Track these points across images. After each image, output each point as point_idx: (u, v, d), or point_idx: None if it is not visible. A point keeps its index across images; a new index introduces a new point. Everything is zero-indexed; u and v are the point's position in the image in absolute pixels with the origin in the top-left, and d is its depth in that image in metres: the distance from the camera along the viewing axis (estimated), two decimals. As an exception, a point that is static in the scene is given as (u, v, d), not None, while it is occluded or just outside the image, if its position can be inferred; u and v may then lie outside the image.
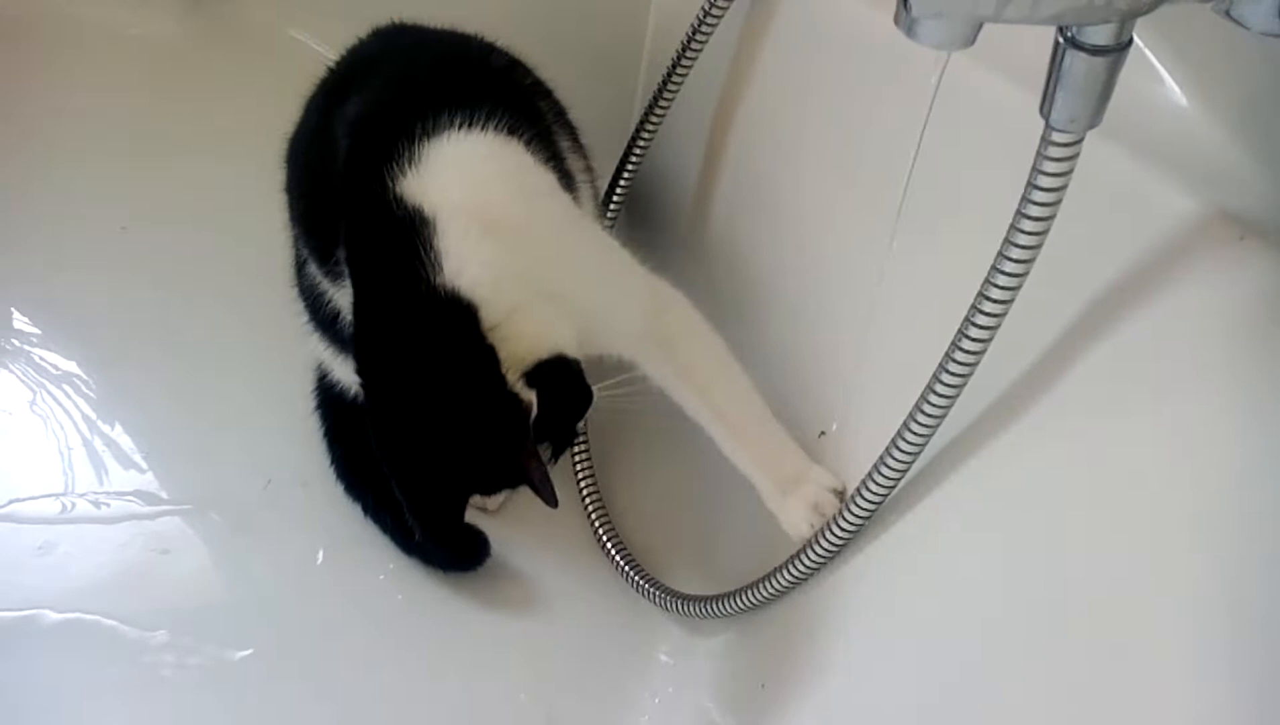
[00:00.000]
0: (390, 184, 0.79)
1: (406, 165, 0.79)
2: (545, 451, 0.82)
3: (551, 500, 0.80)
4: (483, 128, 0.81)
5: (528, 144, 0.84)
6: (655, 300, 0.89)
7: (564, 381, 0.79)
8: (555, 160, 0.89)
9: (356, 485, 1.06)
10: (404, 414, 0.78)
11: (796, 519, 0.87)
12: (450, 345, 0.76)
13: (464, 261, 0.77)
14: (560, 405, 0.80)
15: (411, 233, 0.77)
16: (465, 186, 0.80)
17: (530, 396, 0.77)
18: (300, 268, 0.98)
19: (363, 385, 0.80)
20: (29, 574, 1.03)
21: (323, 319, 0.98)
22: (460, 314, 0.76)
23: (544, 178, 0.85)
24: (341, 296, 0.92)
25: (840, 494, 0.88)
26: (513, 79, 0.94)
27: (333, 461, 1.09)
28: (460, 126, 0.81)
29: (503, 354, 0.77)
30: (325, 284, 0.94)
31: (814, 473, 0.89)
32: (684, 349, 0.88)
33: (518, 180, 0.83)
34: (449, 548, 1.01)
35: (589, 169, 0.99)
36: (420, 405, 0.78)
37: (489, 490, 0.87)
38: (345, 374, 1.03)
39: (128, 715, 0.96)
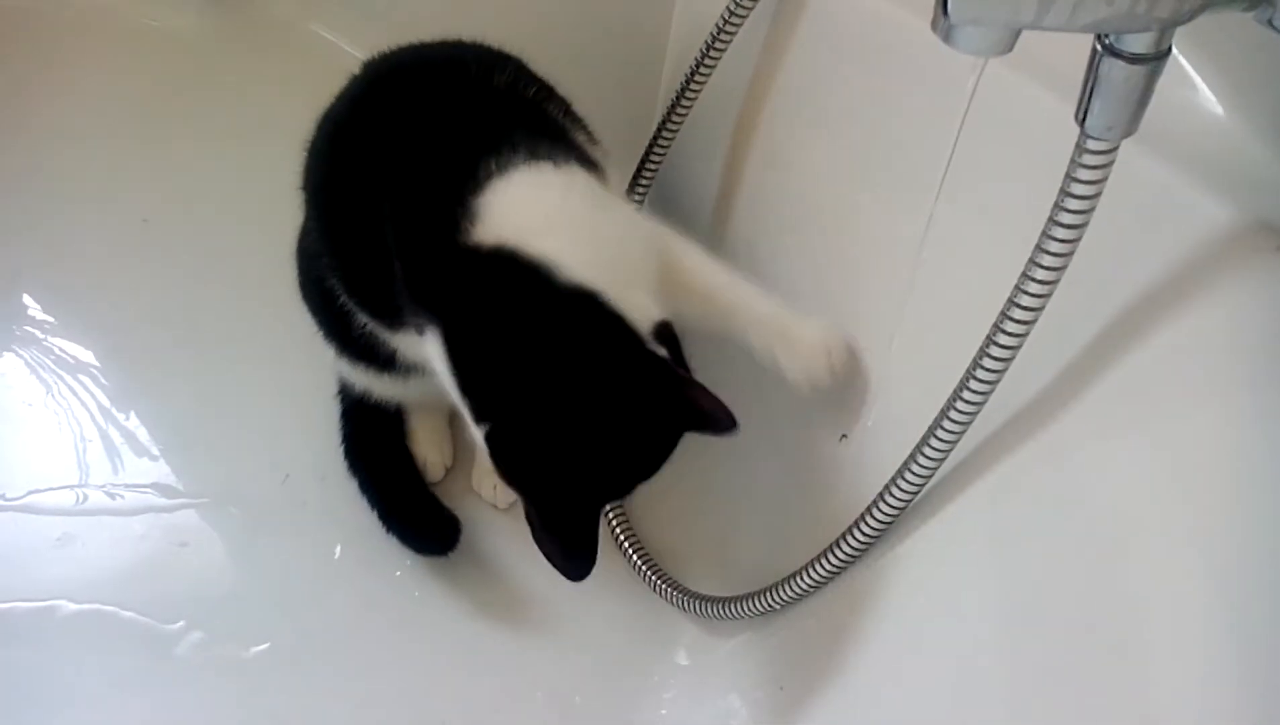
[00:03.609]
0: (461, 238, 0.81)
1: (469, 224, 0.81)
2: None
3: (730, 420, 0.79)
4: (515, 166, 0.83)
5: (553, 160, 0.86)
6: (660, 243, 0.92)
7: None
8: (575, 152, 0.91)
9: (357, 463, 1.09)
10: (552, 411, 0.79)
11: (809, 359, 0.88)
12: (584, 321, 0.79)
13: (567, 261, 0.80)
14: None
15: (506, 259, 0.80)
16: (534, 218, 0.82)
17: (663, 351, 0.80)
18: (333, 303, 0.99)
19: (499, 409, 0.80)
20: (47, 565, 1.04)
21: (379, 357, 1.00)
22: (586, 297, 0.79)
23: (580, 180, 0.87)
24: (403, 341, 0.95)
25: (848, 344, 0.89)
26: (518, 94, 0.94)
27: (343, 439, 1.10)
28: (494, 175, 0.83)
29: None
30: (382, 331, 0.97)
31: (819, 321, 0.90)
32: (676, 267, 0.91)
33: (567, 200, 0.86)
34: (425, 535, 1.05)
35: (604, 151, 1.00)
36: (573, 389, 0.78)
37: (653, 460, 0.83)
38: (387, 388, 1.06)
39: (145, 706, 0.96)
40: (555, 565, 0.82)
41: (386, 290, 0.89)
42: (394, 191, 0.87)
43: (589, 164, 0.91)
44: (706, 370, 0.83)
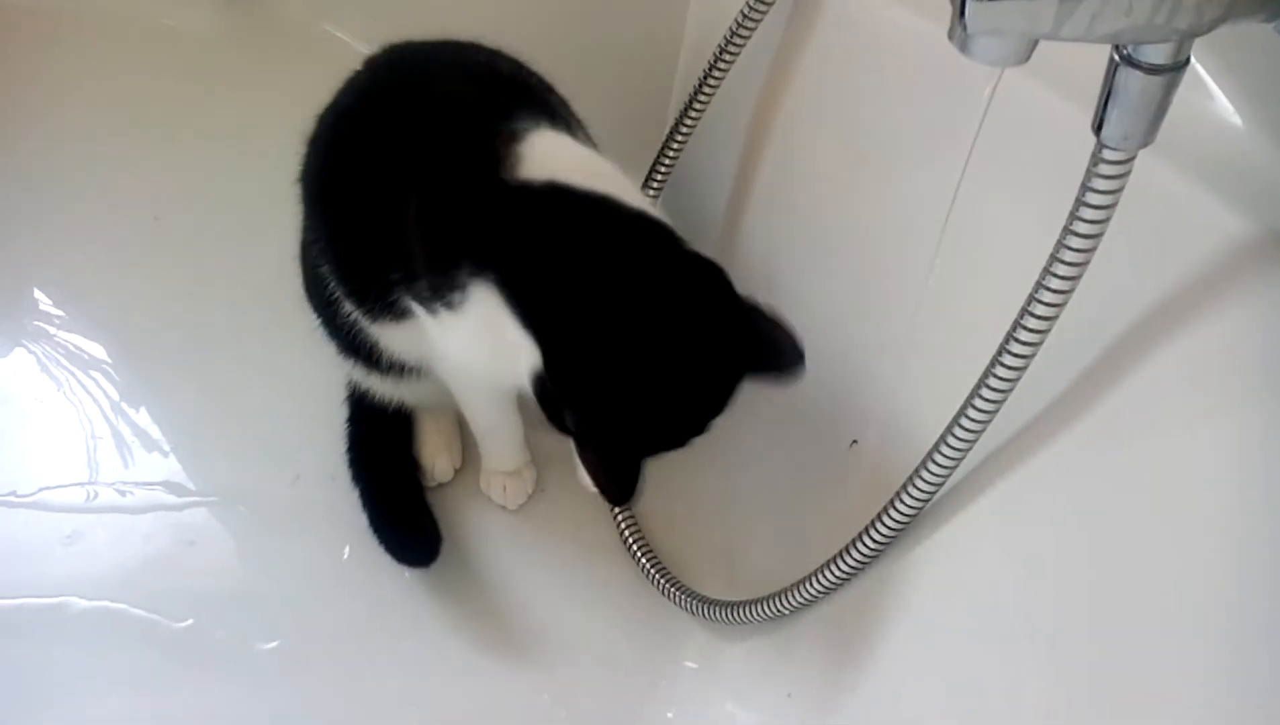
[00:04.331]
0: (507, 178, 0.82)
1: (513, 166, 0.82)
2: None
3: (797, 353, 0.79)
4: (541, 127, 0.85)
5: (567, 132, 0.89)
6: None
7: None
8: (578, 135, 0.92)
9: (360, 471, 1.08)
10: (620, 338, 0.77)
11: None
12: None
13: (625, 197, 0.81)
14: None
15: (563, 192, 0.80)
16: (575, 164, 0.84)
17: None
18: (331, 302, 0.99)
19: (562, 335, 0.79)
20: (57, 562, 1.04)
21: (366, 352, 1.00)
22: (659, 227, 0.81)
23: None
24: (383, 333, 0.96)
25: None
26: (521, 80, 0.96)
27: (348, 447, 1.10)
28: (528, 131, 0.84)
29: None
30: (364, 321, 0.97)
31: None
32: None
33: (594, 158, 0.88)
34: (403, 546, 1.04)
35: (594, 144, 1.00)
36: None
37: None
38: (384, 388, 1.06)
39: (154, 704, 0.97)
40: (602, 490, 0.81)
41: (375, 274, 0.89)
42: (421, 155, 0.86)
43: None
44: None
